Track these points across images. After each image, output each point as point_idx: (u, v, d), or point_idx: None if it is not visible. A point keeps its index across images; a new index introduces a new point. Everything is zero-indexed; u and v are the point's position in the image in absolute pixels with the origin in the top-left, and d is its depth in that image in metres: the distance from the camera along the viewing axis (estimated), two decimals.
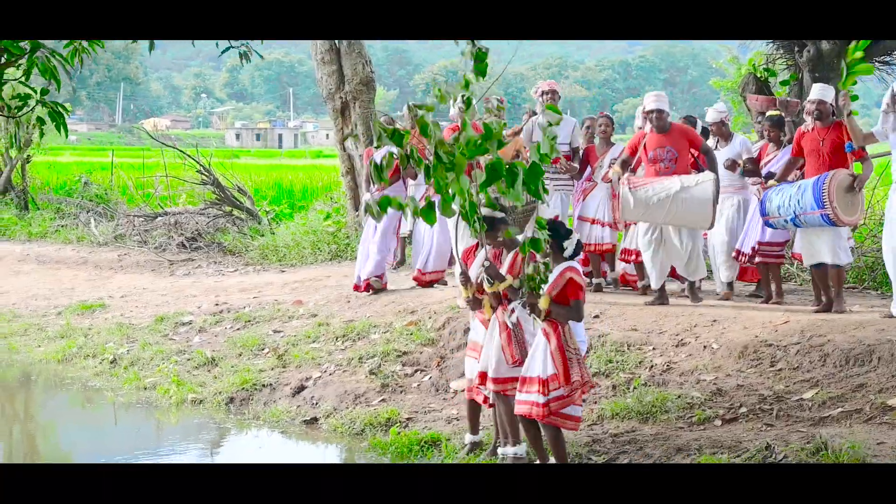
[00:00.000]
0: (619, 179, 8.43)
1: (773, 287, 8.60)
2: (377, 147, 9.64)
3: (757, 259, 8.57)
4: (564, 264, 5.37)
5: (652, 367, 7.11)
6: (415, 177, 9.74)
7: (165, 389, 8.19)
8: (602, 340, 7.57)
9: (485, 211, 5.45)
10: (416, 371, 7.97)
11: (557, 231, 5.31)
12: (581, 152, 9.52)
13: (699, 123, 9.31)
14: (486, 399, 6.02)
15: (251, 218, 15.89)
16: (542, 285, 4.93)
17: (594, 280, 9.32)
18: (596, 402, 6.76)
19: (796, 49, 11.28)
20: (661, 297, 8.49)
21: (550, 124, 4.10)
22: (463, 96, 3.84)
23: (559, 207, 9.26)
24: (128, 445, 7.33)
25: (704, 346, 7.26)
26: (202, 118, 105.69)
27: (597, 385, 6.93)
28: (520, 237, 5.32)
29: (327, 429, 7.26)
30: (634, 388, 6.82)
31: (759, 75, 11.88)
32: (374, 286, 9.88)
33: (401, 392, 7.65)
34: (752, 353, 6.99)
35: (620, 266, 9.51)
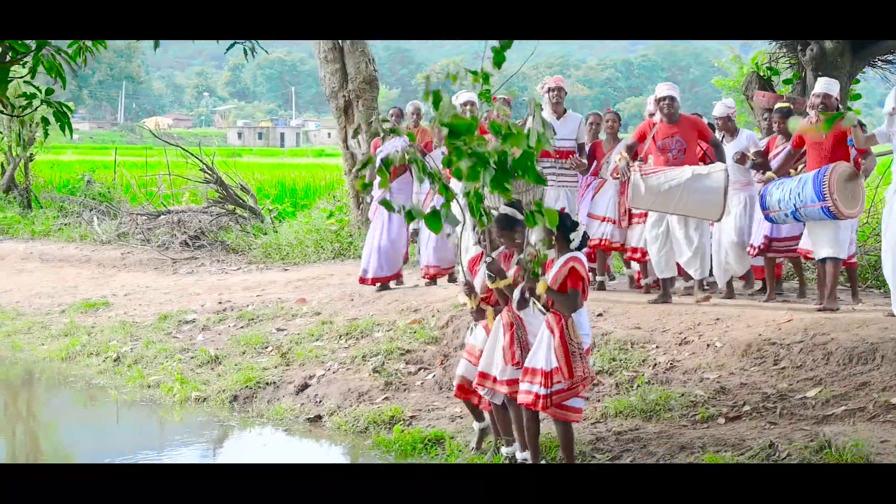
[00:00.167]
0: (627, 165, 8.43)
1: (797, 280, 8.89)
2: (384, 138, 9.70)
3: (770, 254, 8.57)
4: (569, 254, 5.38)
5: (655, 365, 7.12)
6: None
7: (169, 387, 8.21)
8: (605, 338, 7.57)
9: (506, 210, 5.46)
10: (419, 369, 7.98)
11: (564, 222, 5.31)
12: (587, 148, 9.53)
13: (705, 120, 9.29)
14: (480, 399, 6.01)
15: (254, 216, 15.90)
16: (538, 269, 4.93)
17: (598, 278, 9.33)
18: (599, 401, 6.76)
19: (799, 48, 11.24)
20: (665, 296, 8.49)
21: (541, 133, 4.07)
22: (484, 89, 3.80)
23: (565, 204, 9.26)
24: (131, 443, 7.33)
25: (708, 345, 7.26)
26: (204, 117, 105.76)
27: (598, 382, 6.94)
28: (534, 238, 5.32)
29: (331, 427, 7.27)
30: (638, 386, 6.82)
31: (762, 74, 11.86)
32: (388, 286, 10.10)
33: (404, 390, 7.65)
34: (756, 352, 6.99)
35: (635, 266, 9.51)
